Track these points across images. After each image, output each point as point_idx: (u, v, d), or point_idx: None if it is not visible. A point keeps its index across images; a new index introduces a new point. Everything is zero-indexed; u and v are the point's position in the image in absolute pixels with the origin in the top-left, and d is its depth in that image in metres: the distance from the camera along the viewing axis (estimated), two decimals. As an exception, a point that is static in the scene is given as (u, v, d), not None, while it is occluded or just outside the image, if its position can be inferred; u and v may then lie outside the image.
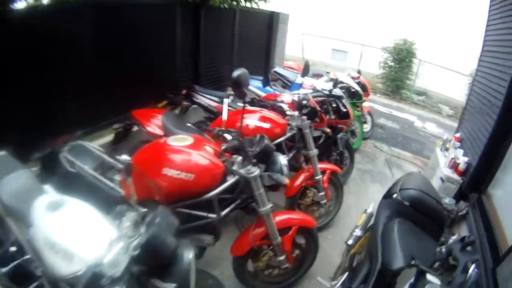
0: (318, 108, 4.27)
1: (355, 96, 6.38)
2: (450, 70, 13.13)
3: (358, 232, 2.96)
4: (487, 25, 5.52)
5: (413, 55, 13.31)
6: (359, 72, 7.29)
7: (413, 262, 2.00)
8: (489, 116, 4.49)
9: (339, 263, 3.35)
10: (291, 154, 3.83)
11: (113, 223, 1.79)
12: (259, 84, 5.45)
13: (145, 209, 2.02)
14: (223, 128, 2.91)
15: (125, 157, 2.62)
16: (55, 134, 3.01)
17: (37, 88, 3.57)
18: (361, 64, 14.36)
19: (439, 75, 13.84)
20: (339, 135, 4.90)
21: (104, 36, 4.20)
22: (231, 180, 2.53)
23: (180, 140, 2.60)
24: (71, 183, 2.58)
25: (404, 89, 13.93)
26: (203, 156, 2.50)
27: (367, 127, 7.55)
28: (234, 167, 2.50)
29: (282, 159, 2.71)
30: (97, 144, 3.90)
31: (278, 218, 2.84)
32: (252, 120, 3.71)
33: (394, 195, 2.73)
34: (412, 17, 15.21)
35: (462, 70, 12.59)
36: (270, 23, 7.89)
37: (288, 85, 6.60)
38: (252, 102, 4.94)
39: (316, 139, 4.22)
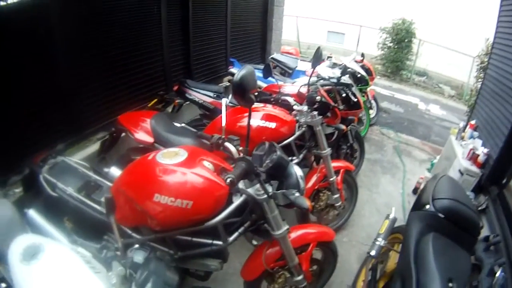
0: (331, 102, 3.84)
1: (361, 82, 5.94)
2: (451, 50, 12.89)
3: (381, 242, 2.68)
4: (501, 5, 5.08)
5: (412, 35, 12.95)
6: (362, 55, 6.79)
7: (450, 285, 1.89)
8: (508, 103, 4.15)
9: (357, 270, 3.18)
10: (301, 156, 3.45)
11: (100, 272, 1.57)
12: (259, 74, 5.09)
13: (136, 260, 1.81)
14: (222, 136, 2.40)
15: (113, 171, 2.40)
16: (33, 150, 2.76)
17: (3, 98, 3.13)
18: (359, 46, 14.14)
19: (439, 55, 13.58)
20: (348, 127, 4.50)
21: (78, 33, 3.75)
22: (237, 201, 2.05)
23: (171, 156, 2.05)
24: (56, 208, 2.32)
25: (404, 70, 13.62)
26: (201, 176, 1.97)
27: (372, 113, 7.12)
28: (241, 186, 2.03)
29: (298, 170, 2.18)
30: (82, 155, 3.76)
31: (294, 235, 2.41)
32: (255, 120, 3.22)
33: (427, 207, 2.49)
34: (410, -5, 14.77)
35: (463, 49, 12.35)
36: (265, 7, 7.36)
37: (287, 72, 6.21)
38: (200, 121, 4.57)
39: (328, 136, 3.80)
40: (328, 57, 6.21)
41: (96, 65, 3.98)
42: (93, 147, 3.94)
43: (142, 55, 4.66)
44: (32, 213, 2.18)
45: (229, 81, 6.02)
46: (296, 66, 6.28)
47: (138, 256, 1.94)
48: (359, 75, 5.91)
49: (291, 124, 3.33)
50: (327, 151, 3.39)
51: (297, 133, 3.35)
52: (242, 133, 3.06)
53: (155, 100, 4.70)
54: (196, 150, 2.20)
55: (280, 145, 3.13)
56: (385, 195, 4.95)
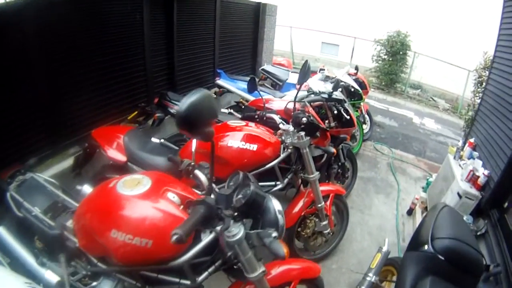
0: (320, 122, 3.61)
1: (354, 96, 5.71)
2: (446, 63, 12.69)
3: (372, 277, 2.49)
4: (503, 18, 4.84)
5: (407, 47, 12.77)
6: (356, 68, 6.56)
7: None
8: (510, 121, 3.91)
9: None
10: (286, 180, 3.14)
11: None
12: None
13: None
14: (192, 163, 2.10)
15: (86, 189, 2.20)
16: (2, 165, 2.68)
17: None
18: (354, 57, 13.97)
19: (433, 67, 13.43)
20: (340, 146, 4.24)
21: (53, 43, 3.49)
22: (206, 238, 1.75)
23: (133, 185, 1.80)
24: (25, 227, 2.17)
25: (398, 83, 13.45)
26: (163, 211, 1.71)
27: (366, 128, 6.89)
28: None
29: (276, 204, 1.87)
30: (56, 171, 3.56)
31: (274, 272, 2.10)
32: (234, 141, 2.94)
33: (425, 247, 2.26)
34: (405, 8, 14.83)
35: (458, 62, 12.22)
36: (256, 16, 7.12)
37: (278, 84, 5.95)
38: (238, 108, 4.28)
39: (317, 157, 3.50)
40: (321, 69, 5.92)
41: (73, 75, 3.76)
42: (67, 162, 3.69)
43: (123, 64, 4.40)
44: (1, 231, 2.07)
45: (215, 93, 5.76)
46: (287, 79, 6.01)
47: (104, 287, 1.81)
48: (352, 89, 5.69)
49: (275, 145, 3.04)
50: (315, 175, 3.07)
51: (282, 156, 3.05)
52: (223, 156, 2.79)
53: (136, 112, 4.46)
54: (161, 178, 1.96)
55: (263, 168, 2.95)
56: (378, 216, 4.68)
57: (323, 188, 3.29)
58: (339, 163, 4.39)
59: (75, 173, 3.45)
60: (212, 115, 1.57)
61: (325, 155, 3.84)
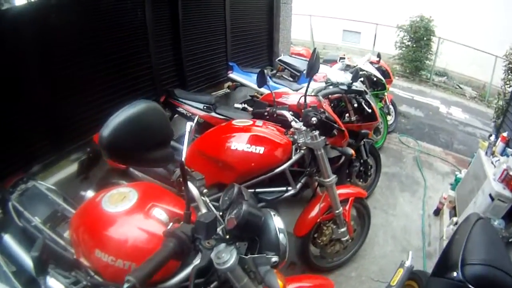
0: (337, 119, 3.13)
1: (377, 86, 5.34)
2: (473, 48, 12.15)
3: None
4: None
5: (431, 32, 12.30)
6: (378, 55, 6.19)
7: None
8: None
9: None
10: (299, 185, 2.82)
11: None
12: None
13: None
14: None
15: (89, 195, 2.18)
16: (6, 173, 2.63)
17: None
18: (376, 45, 13.56)
19: (459, 53, 12.89)
20: (362, 142, 3.92)
21: (54, 42, 3.29)
22: (194, 261, 1.49)
23: (118, 200, 1.63)
24: (25, 238, 2.08)
25: (423, 70, 12.97)
26: (147, 233, 1.50)
27: (390, 119, 6.53)
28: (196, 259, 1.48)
29: (278, 222, 1.54)
30: (62, 176, 3.42)
31: None
32: (238, 143, 2.66)
33: (454, 274, 1.91)
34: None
35: (485, 47, 11.69)
36: (270, 4, 6.70)
37: (297, 75, 5.59)
38: (252, 102, 3.98)
39: (334, 158, 3.15)
40: (341, 58, 5.58)
41: (74, 77, 3.53)
42: (73, 167, 3.48)
43: (126, 63, 4.15)
44: (7, 239, 2.05)
45: (228, 87, 5.46)
46: (305, 69, 5.67)
47: None
48: (375, 79, 5.30)
49: (285, 147, 2.72)
50: (332, 179, 2.75)
51: (294, 158, 2.73)
52: (226, 160, 2.64)
53: None
54: (149, 191, 1.79)
55: (272, 173, 2.66)
56: (403, 217, 4.35)
57: (341, 191, 2.99)
58: (361, 161, 4.06)
59: (82, 178, 3.27)
60: (162, 134, 1.23)
61: (343, 158, 3.54)
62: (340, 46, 16.27)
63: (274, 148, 2.65)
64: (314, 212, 2.88)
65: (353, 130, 3.76)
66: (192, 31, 5.01)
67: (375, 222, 4.04)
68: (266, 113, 3.16)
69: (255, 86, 4.81)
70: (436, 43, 12.59)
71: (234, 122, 2.86)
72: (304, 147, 2.71)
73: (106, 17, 3.82)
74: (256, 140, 2.64)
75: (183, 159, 2.10)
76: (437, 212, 4.39)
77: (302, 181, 2.84)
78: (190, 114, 4.03)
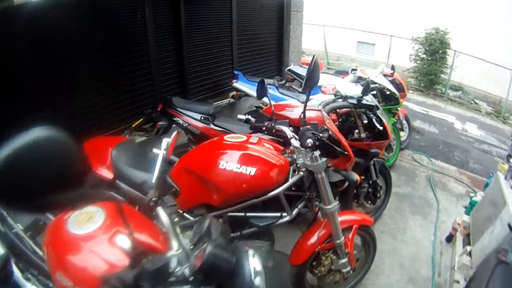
0: (341, 140, 2.79)
1: (390, 100, 5.03)
2: (489, 62, 11.89)
3: None
4: None
5: (447, 45, 12.05)
6: (392, 68, 5.86)
7: None
8: None
9: None
10: (296, 210, 2.48)
11: None
12: (271, 91, 4.39)
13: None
14: (153, 198, 1.74)
15: None
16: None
17: None
18: (390, 57, 13.33)
19: (474, 67, 12.58)
20: (372, 161, 3.64)
21: (48, 46, 3.22)
22: None
23: (83, 221, 1.48)
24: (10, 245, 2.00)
25: (438, 84, 12.70)
26: (107, 263, 1.37)
27: (403, 135, 6.22)
28: None
29: (255, 263, 1.25)
30: None
31: None
32: (227, 163, 2.33)
33: None
34: (443, 2, 13.97)
35: (502, 61, 11.58)
36: (280, 12, 6.48)
37: (306, 86, 5.33)
38: (257, 113, 3.71)
39: (337, 183, 2.81)
40: (352, 69, 5.26)
41: (70, 80, 3.47)
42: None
43: (124, 68, 4.00)
44: None
45: (232, 96, 5.22)
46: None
47: None
48: (388, 92, 4.99)
49: (281, 168, 2.37)
50: (333, 206, 2.43)
51: (291, 181, 2.40)
52: (213, 181, 2.35)
53: (141, 119, 4.02)
54: (117, 212, 1.51)
55: (264, 197, 2.34)
56: (413, 243, 4.03)
57: (344, 218, 2.69)
58: (370, 181, 3.77)
59: None
60: (68, 171, 0.94)
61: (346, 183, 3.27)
62: (354, 58, 16.03)
63: (267, 169, 2.33)
64: (312, 240, 2.56)
65: (363, 149, 3.48)
66: (196, 37, 4.82)
67: (382, 248, 3.75)
68: (264, 128, 2.87)
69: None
70: (451, 56, 12.31)
71: (226, 137, 2.55)
72: (304, 169, 2.39)
73: (104, 24, 3.70)
74: (247, 159, 2.34)
75: (153, 180, 2.12)
76: (450, 238, 4.06)
77: (300, 206, 2.51)
78: (187, 124, 3.80)
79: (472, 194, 4.89)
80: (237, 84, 5.10)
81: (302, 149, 2.34)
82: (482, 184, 5.23)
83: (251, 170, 2.27)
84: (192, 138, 3.84)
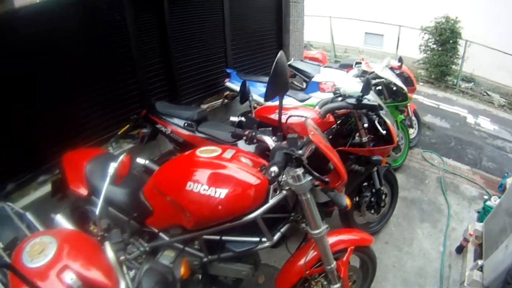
0: (329, 157, 2.14)
1: (398, 96, 4.63)
2: (502, 52, 11.43)
3: None
4: None
5: (457, 35, 11.57)
6: (400, 60, 5.51)
7: None
8: None
9: None
10: (277, 235, 2.11)
11: None
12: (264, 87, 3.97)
13: None
14: (100, 233, 1.62)
15: (59, 219, 2.11)
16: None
17: None
18: (399, 48, 12.87)
19: (486, 58, 12.15)
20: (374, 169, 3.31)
21: (24, 52, 3.02)
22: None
23: (36, 252, 1.56)
24: None
25: (449, 76, 12.26)
26: None
27: (413, 132, 5.89)
28: None
29: None
30: (38, 195, 3.19)
31: None
32: (195, 183, 1.99)
33: None
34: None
35: None
36: (278, 3, 6.11)
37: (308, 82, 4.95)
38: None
39: (328, 202, 2.39)
40: (357, 63, 4.88)
41: (48, 90, 3.27)
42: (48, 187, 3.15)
43: (106, 74, 3.75)
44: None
45: (225, 96, 4.90)
46: (315, 75, 4.98)
47: None
48: (395, 88, 4.60)
49: (258, 188, 1.98)
50: (321, 231, 2.05)
51: (271, 202, 2.02)
52: (181, 203, 2.05)
53: (127, 126, 3.84)
54: (69, 245, 1.68)
55: (240, 221, 2.02)
56: (420, 256, 3.69)
57: (338, 238, 2.35)
58: (373, 190, 3.42)
59: (59, 197, 2.93)
60: None
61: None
62: (362, 50, 15.73)
63: (240, 191, 1.96)
64: (300, 264, 2.23)
65: (364, 156, 3.12)
66: (183, 35, 4.52)
67: (386, 262, 3.47)
68: (244, 137, 2.51)
69: (259, 98, 4.29)
70: (462, 46, 11.86)
71: (198, 151, 2.19)
72: (287, 187, 2.01)
73: (79, 28, 3.46)
74: (217, 179, 1.99)
75: (97, 213, 1.96)
76: (460, 249, 3.71)
77: (283, 230, 2.14)
78: (169, 132, 3.51)
79: (485, 197, 4.57)
80: (229, 84, 4.80)
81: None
82: (496, 184, 5.06)
83: (221, 192, 1.93)
84: (176, 147, 3.57)
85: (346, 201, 1.98)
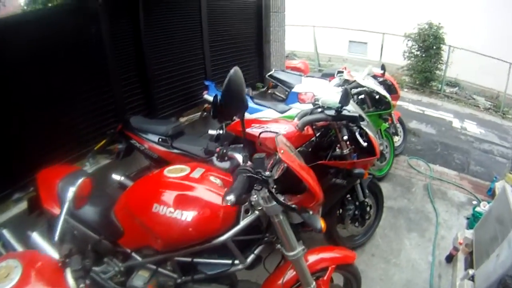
0: (302, 177, 1.85)
1: (381, 104, 4.53)
2: (485, 56, 11.49)
3: None
4: None
5: (441, 40, 11.68)
6: (383, 68, 5.36)
7: None
8: None
9: None
10: (251, 257, 1.99)
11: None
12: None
13: None
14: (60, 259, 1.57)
15: (35, 237, 1.93)
16: None
17: None
18: (383, 55, 12.92)
19: (470, 62, 12.16)
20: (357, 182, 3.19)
21: None
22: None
23: (2, 276, 1.49)
24: None
25: (434, 81, 12.36)
26: None
27: (398, 140, 5.78)
28: None
29: None
30: (17, 211, 3.09)
31: None
32: (160, 205, 1.88)
33: None
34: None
35: (498, 54, 11.17)
36: (258, 13, 6.07)
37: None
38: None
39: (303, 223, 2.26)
40: (339, 72, 4.82)
41: (21, 103, 3.14)
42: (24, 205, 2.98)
43: (80, 88, 3.61)
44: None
45: (204, 109, 4.80)
46: (295, 86, 4.87)
47: None
48: (377, 96, 4.50)
49: (227, 210, 1.86)
50: (297, 252, 1.92)
51: (242, 224, 1.91)
52: (148, 225, 1.94)
53: (104, 141, 3.69)
54: (33, 269, 1.59)
55: (209, 244, 1.91)
56: (408, 267, 3.58)
57: (319, 256, 2.22)
58: (356, 203, 3.32)
59: (36, 214, 2.74)
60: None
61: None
62: (346, 58, 15.79)
63: (209, 214, 1.85)
64: (278, 284, 2.10)
65: (346, 169, 2.98)
66: (159, 46, 4.40)
67: (372, 275, 3.35)
68: (216, 155, 2.40)
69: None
70: (446, 52, 11.99)
71: (166, 170, 2.07)
72: (260, 207, 1.86)
73: (51, 37, 3.28)
74: (183, 201, 1.87)
75: (56, 238, 1.92)
76: (450, 258, 3.61)
77: (256, 252, 2.03)
78: (144, 148, 3.39)
79: (474, 202, 4.56)
80: (207, 96, 4.69)
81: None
82: (484, 189, 4.99)
83: (188, 215, 1.82)
84: (152, 163, 3.44)
85: (321, 224, 1.83)
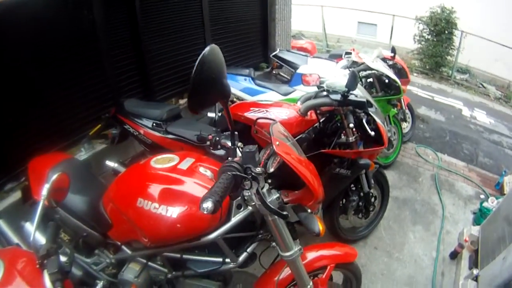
0: (300, 174, 1.67)
1: (390, 89, 4.33)
2: (498, 44, 11.22)
3: None
4: None
5: (453, 25, 11.32)
6: (393, 50, 5.09)
7: None
8: None
9: None
10: (243, 256, 1.84)
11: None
12: (247, 83, 4.04)
13: None
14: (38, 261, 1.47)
15: (28, 227, 2.12)
16: None
17: None
18: (393, 38, 12.65)
19: (482, 49, 11.91)
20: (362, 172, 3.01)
21: None
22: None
23: None
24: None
25: (444, 67, 12.01)
26: None
27: (406, 126, 5.61)
28: None
29: None
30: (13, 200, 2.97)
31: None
32: (145, 200, 1.69)
33: None
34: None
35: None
36: (261, -9, 5.82)
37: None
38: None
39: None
40: (346, 53, 4.54)
41: (11, 89, 2.95)
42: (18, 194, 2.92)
43: (72, 72, 3.40)
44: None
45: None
46: (300, 66, 4.64)
47: None
48: (387, 80, 4.29)
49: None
50: (293, 252, 1.74)
51: (234, 220, 1.72)
52: (134, 221, 1.80)
53: (99, 126, 3.54)
54: (16, 266, 1.54)
55: (198, 242, 1.76)
56: (411, 262, 3.44)
57: (318, 254, 2.07)
58: (361, 194, 3.14)
59: (30, 203, 2.61)
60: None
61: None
62: (355, 39, 15.55)
63: (196, 210, 1.62)
64: (273, 281, 1.94)
65: (351, 159, 2.79)
66: (157, 25, 4.16)
67: (374, 269, 3.24)
68: (208, 143, 2.20)
69: (240, 93, 4.09)
70: (458, 37, 11.61)
71: (153, 160, 1.88)
72: (253, 203, 1.61)
73: (40, 19, 3.06)
74: (169, 196, 1.69)
75: (31, 239, 1.73)
76: (454, 255, 3.46)
77: (249, 250, 1.87)
78: (137, 133, 3.22)
79: (482, 197, 4.42)
80: None
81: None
82: (493, 182, 4.86)
83: (173, 211, 1.64)
84: (146, 148, 3.28)
85: (319, 227, 1.63)
